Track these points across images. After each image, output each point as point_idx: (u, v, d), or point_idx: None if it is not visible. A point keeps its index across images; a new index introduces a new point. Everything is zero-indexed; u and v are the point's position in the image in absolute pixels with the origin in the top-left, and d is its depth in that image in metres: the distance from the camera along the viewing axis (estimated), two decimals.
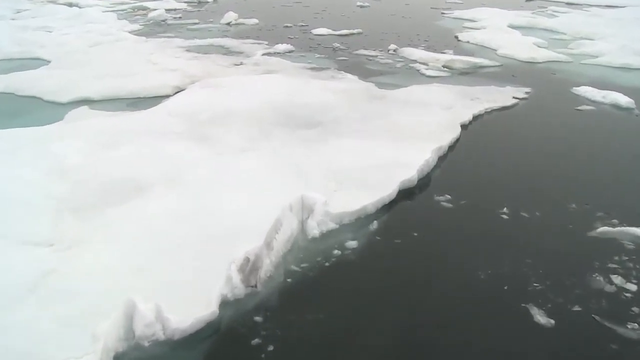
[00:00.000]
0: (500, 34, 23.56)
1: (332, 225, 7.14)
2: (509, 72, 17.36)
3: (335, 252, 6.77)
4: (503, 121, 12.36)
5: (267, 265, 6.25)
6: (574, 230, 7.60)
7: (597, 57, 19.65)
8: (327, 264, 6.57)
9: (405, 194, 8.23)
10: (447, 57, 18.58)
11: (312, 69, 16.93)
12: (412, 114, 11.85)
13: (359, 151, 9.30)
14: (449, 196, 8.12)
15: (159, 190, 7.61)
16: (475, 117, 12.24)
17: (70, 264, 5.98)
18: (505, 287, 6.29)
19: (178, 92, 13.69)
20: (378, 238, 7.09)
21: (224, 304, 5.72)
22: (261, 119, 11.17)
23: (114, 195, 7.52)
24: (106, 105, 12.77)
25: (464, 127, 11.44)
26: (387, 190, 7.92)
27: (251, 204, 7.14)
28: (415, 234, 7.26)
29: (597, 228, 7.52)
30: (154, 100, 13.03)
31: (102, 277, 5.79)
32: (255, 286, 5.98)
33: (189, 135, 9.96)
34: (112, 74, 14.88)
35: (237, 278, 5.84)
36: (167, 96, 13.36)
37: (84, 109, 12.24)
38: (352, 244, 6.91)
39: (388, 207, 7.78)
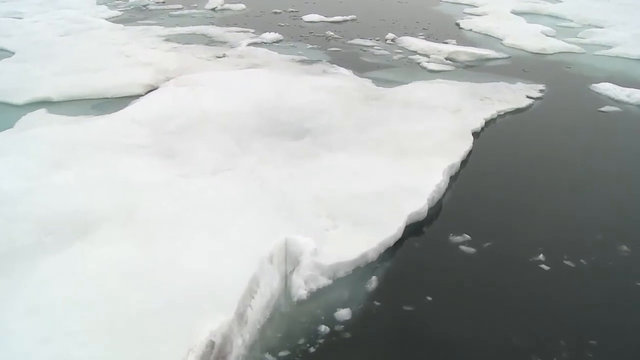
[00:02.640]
0: (504, 21, 22.00)
1: (323, 281, 5.63)
2: (518, 65, 15.83)
3: (324, 327, 5.21)
4: (519, 127, 10.86)
5: (238, 348, 4.76)
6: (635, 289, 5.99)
7: (610, 47, 18.17)
8: (316, 343, 5.04)
9: (414, 230, 6.74)
10: (450, 48, 17.02)
11: (301, 61, 15.34)
12: (415, 119, 10.33)
13: (355, 171, 7.79)
14: (467, 236, 6.61)
15: (108, 231, 6.08)
16: (487, 123, 10.74)
17: None
18: None
19: (150, 90, 12.10)
20: (379, 303, 5.50)
21: None
22: (240, 126, 9.62)
23: (51, 238, 5.99)
24: (67, 107, 11.17)
25: (475, 134, 9.94)
26: (391, 228, 6.43)
27: (220, 253, 5.63)
28: (429, 297, 5.59)
29: None
30: (122, 101, 11.44)
31: None
32: None
33: (153, 150, 8.40)
34: (78, 69, 13.23)
35: None
36: (138, 96, 11.78)
37: (41, 112, 10.64)
38: (347, 313, 5.34)
39: (393, 251, 6.29)
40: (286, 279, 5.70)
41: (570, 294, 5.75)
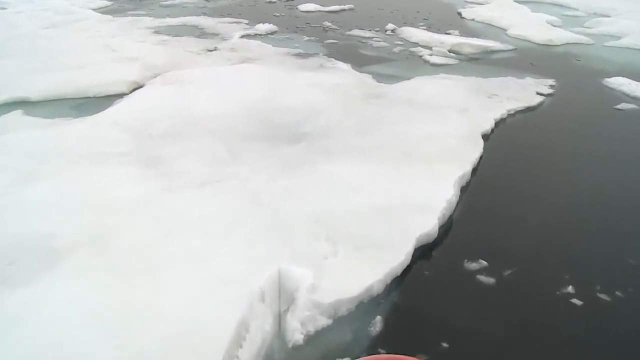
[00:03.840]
0: (508, 10, 21.16)
1: (322, 322, 4.88)
2: (525, 58, 15.04)
3: None
4: (532, 130, 10.09)
5: None
6: None
7: (620, 38, 17.36)
8: None
9: (423, 254, 6.01)
10: (453, 39, 16.22)
11: (297, 55, 14.53)
12: (420, 120, 9.59)
13: (356, 184, 7.06)
14: (484, 262, 5.87)
15: (80, 260, 5.36)
16: (497, 124, 9.99)
17: None
18: None
19: (136, 89, 11.32)
20: (385, 349, 4.72)
21: None
22: (231, 130, 8.87)
23: (14, 269, 5.29)
24: (46, 108, 10.38)
25: (485, 137, 9.20)
26: (398, 253, 5.70)
27: (205, 290, 4.92)
28: (444, 343, 4.74)
29: None
30: (105, 101, 10.66)
31: None
32: None
33: (135, 159, 7.66)
34: (60, 66, 12.41)
35: None
36: (122, 95, 10.99)
37: (17, 114, 9.86)
38: None
39: (400, 280, 5.55)
40: (280, 318, 4.99)
41: (610, 338, 4.99)
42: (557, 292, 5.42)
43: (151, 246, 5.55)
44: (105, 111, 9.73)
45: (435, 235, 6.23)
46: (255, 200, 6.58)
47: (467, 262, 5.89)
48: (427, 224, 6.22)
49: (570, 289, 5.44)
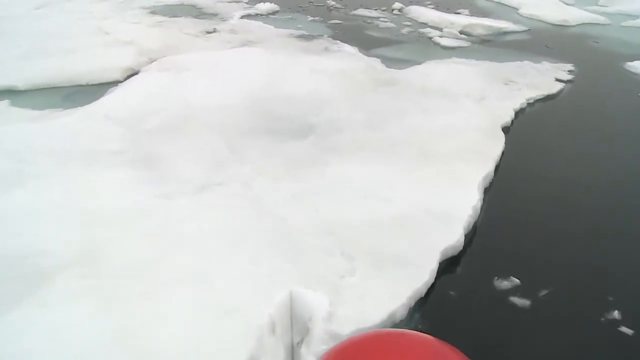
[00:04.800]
0: None
1: None
2: (540, 40, 14.33)
3: None
4: (553, 120, 9.46)
5: None
6: None
7: (638, 17, 16.63)
8: None
9: (447, 269, 5.42)
10: (464, 19, 15.49)
11: (300, 37, 13.83)
12: (435, 110, 8.95)
13: (371, 188, 6.45)
14: (516, 280, 5.28)
15: (66, 283, 4.77)
16: (517, 114, 9.34)
17: None
18: None
19: (130, 75, 10.65)
20: None
21: None
22: (231, 123, 8.23)
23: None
24: (35, 98, 9.72)
25: (505, 130, 8.57)
26: (422, 271, 5.11)
27: (206, 320, 4.35)
28: None
29: None
30: (97, 89, 10.01)
31: None
32: None
33: (128, 158, 7.03)
34: (49, 51, 11.70)
35: None
36: (115, 82, 10.34)
37: (3, 105, 9.19)
38: None
39: (423, 302, 4.97)
40: (292, 351, 4.42)
41: None
42: (602, 319, 4.83)
43: (147, 265, 4.96)
44: (98, 101, 9.07)
45: (461, 247, 5.64)
46: (260, 208, 5.97)
47: (497, 279, 5.31)
48: (452, 236, 5.63)
49: (616, 314, 4.84)
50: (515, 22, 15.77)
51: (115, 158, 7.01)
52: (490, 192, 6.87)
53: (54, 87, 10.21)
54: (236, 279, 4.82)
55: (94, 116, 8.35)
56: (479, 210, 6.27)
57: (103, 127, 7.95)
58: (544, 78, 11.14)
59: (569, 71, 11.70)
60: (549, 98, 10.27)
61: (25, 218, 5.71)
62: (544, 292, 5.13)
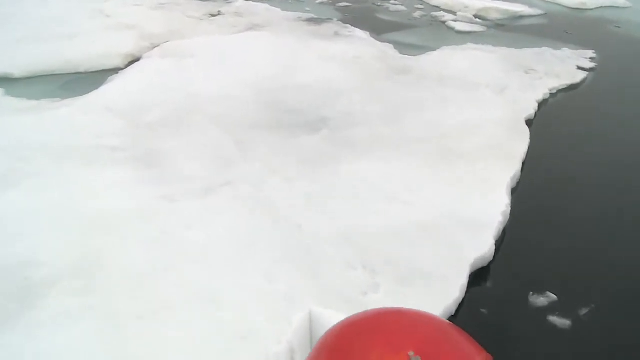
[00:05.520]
0: None
1: None
2: (558, 24, 13.74)
3: None
4: (578, 112, 8.96)
5: None
6: None
7: None
8: None
9: (476, 282, 4.97)
10: (478, 3, 14.87)
11: (309, 21, 13.26)
12: (455, 102, 8.45)
13: (391, 190, 5.98)
14: (553, 295, 4.82)
15: (58, 298, 4.34)
16: (540, 106, 8.82)
17: None
18: None
19: (131, 62, 10.15)
20: None
21: None
22: (238, 116, 7.76)
23: None
24: (31, 86, 9.20)
25: (528, 123, 8.08)
26: (451, 287, 4.67)
27: (217, 346, 3.91)
28: None
29: None
30: (97, 77, 9.52)
31: None
32: None
33: (129, 155, 6.56)
34: (46, 35, 11.17)
35: None
36: (116, 70, 9.83)
37: None
38: None
39: (452, 321, 4.52)
40: None
41: None
42: None
43: (148, 280, 4.52)
44: (98, 91, 8.60)
45: (491, 258, 5.18)
46: (271, 212, 5.52)
47: (533, 295, 4.86)
48: (482, 245, 5.18)
49: None
50: (531, 5, 15.16)
51: (115, 155, 6.54)
52: (518, 192, 6.39)
53: (52, 75, 9.70)
54: (249, 298, 4.37)
55: (93, 108, 7.86)
56: (508, 215, 5.79)
57: (103, 120, 7.47)
58: (565, 66, 10.59)
59: (590, 58, 11.16)
60: (572, 88, 9.74)
61: (19, 223, 5.26)
62: (584, 311, 4.68)
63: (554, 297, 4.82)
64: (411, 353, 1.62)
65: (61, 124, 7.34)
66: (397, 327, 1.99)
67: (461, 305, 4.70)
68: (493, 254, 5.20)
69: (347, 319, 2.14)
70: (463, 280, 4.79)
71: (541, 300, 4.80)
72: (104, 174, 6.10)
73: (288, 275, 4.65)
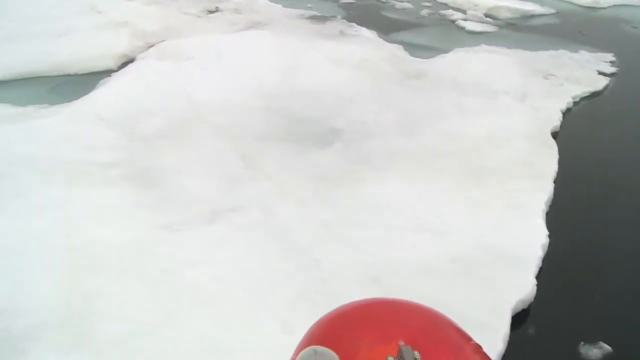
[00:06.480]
0: None
1: None
2: (571, 24, 13.17)
3: None
4: (605, 122, 8.43)
5: None
6: None
7: None
8: None
9: (516, 326, 4.39)
10: (488, 1, 14.23)
11: (312, 18, 12.59)
12: (474, 111, 7.87)
13: (416, 217, 5.39)
14: (606, 346, 4.21)
15: (45, 356, 3.71)
16: (564, 115, 8.24)
17: None
18: None
19: (124, 63, 9.48)
20: None
21: None
22: (242, 126, 7.15)
23: None
24: (17, 90, 8.51)
25: (554, 135, 7.51)
26: (493, 337, 4.10)
27: None
28: None
29: None
30: (88, 80, 8.86)
31: None
32: None
33: (124, 172, 5.93)
34: (34, 33, 10.44)
35: None
36: (108, 72, 9.15)
37: None
38: None
39: None
40: None
41: None
42: None
43: (147, 332, 3.91)
44: (89, 96, 7.95)
45: (532, 299, 4.60)
46: (286, 244, 4.92)
47: (584, 345, 4.29)
48: (523, 285, 4.61)
49: None
50: (542, 4, 14.55)
51: (108, 173, 5.90)
52: (551, 217, 5.78)
53: (39, 77, 9.00)
54: (263, 353, 3.77)
55: (83, 116, 7.21)
56: (546, 244, 5.21)
57: (94, 130, 6.83)
58: (585, 71, 10.01)
59: (610, 62, 10.58)
60: (595, 95, 9.17)
61: (0, 257, 4.63)
62: None
63: (608, 348, 4.25)
64: (401, 343, 1.60)
65: (49, 135, 6.68)
66: (387, 317, 1.96)
67: (503, 358, 4.12)
68: (535, 294, 4.62)
69: (335, 309, 2.06)
70: (505, 328, 4.22)
71: (594, 352, 4.23)
72: (95, 197, 5.47)
73: (307, 323, 4.04)
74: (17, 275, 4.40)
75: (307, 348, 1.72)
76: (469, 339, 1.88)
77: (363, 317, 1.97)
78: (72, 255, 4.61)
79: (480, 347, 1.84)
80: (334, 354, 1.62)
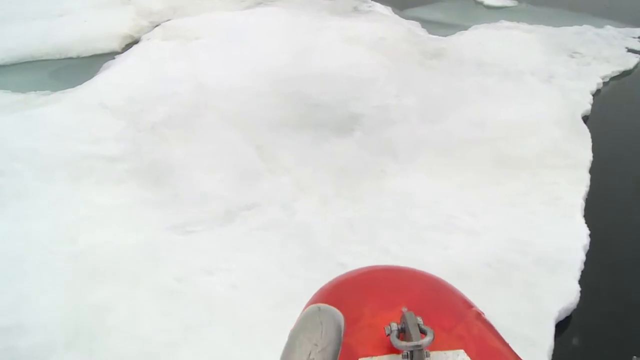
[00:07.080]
0: None
1: None
2: None
3: None
4: (638, 104, 7.93)
5: None
6: None
7: None
8: None
9: (561, 339, 4.04)
10: None
11: None
12: (500, 94, 7.43)
13: (445, 211, 5.03)
14: None
15: None
16: (594, 96, 7.77)
17: None
18: None
19: (129, 45, 9.05)
20: None
21: None
22: (256, 112, 6.75)
23: None
24: (17, 74, 8.16)
25: (585, 119, 7.08)
26: (536, 352, 3.75)
27: None
28: None
29: None
30: (90, 62, 8.49)
31: None
32: None
33: (130, 167, 5.58)
34: (33, 14, 9.97)
35: None
36: (112, 54, 8.74)
37: None
38: None
39: None
40: None
41: None
42: None
43: (163, 350, 3.57)
44: (91, 81, 7.57)
45: (575, 307, 4.24)
46: (309, 246, 4.57)
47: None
48: (565, 292, 4.26)
49: None
50: None
51: (113, 168, 5.55)
52: (590, 211, 5.38)
53: (40, 61, 8.59)
54: None
55: (86, 104, 6.82)
56: (587, 245, 4.83)
57: (98, 120, 6.45)
58: (613, 49, 9.47)
59: (639, 38, 10.03)
60: (625, 74, 8.66)
61: (2, 265, 4.29)
62: None
63: None
64: (404, 309, 1.63)
65: (50, 126, 6.30)
66: (389, 283, 2.00)
67: None
68: (577, 302, 4.26)
69: (337, 277, 2.06)
70: (549, 341, 3.88)
71: None
72: (102, 194, 5.12)
73: None
74: (21, 287, 4.08)
75: (312, 305, 1.69)
76: (471, 305, 1.92)
77: (366, 284, 2.01)
78: (78, 263, 4.27)
79: (481, 313, 1.87)
80: (337, 311, 1.59)
